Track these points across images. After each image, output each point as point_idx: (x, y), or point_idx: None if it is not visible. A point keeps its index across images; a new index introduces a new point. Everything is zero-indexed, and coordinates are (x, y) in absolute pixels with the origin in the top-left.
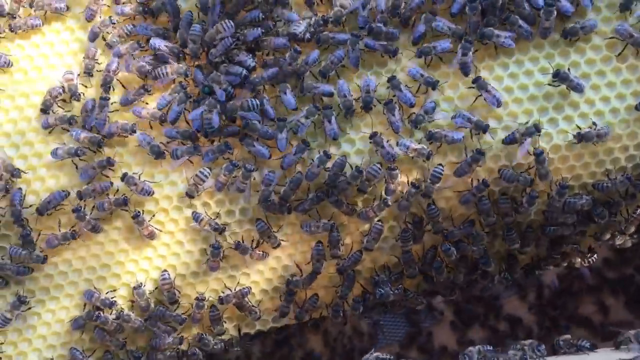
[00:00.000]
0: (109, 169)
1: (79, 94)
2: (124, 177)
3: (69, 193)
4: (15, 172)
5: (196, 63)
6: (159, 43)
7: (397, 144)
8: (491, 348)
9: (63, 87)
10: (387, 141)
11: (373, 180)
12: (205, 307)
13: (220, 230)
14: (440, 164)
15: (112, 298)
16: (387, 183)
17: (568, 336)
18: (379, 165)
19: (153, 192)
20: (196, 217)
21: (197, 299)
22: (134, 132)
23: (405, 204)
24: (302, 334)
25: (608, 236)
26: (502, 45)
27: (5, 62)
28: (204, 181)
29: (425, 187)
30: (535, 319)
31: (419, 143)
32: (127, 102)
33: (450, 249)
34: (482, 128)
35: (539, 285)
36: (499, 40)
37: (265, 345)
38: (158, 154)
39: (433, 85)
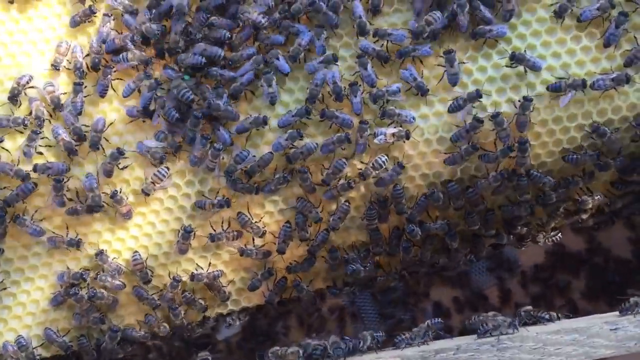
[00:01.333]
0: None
1: (61, 105)
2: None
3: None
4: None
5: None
6: (131, 21)
7: (375, 134)
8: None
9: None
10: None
11: (338, 174)
12: (179, 288)
13: (227, 204)
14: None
15: (81, 270)
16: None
17: (529, 307)
18: (344, 160)
19: None
20: (200, 204)
21: (173, 278)
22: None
23: (387, 181)
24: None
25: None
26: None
27: None
28: (162, 180)
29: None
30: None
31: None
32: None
33: (415, 230)
34: (422, 90)
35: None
36: (491, 34)
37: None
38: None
39: (423, 91)
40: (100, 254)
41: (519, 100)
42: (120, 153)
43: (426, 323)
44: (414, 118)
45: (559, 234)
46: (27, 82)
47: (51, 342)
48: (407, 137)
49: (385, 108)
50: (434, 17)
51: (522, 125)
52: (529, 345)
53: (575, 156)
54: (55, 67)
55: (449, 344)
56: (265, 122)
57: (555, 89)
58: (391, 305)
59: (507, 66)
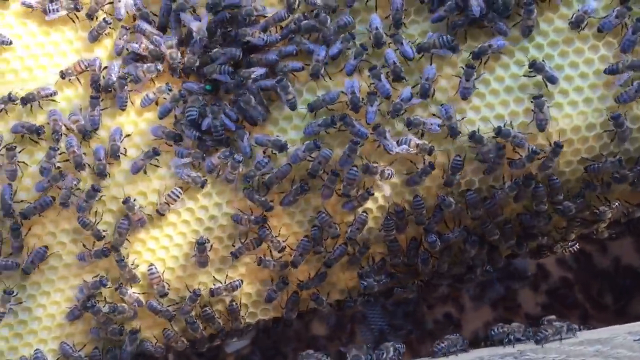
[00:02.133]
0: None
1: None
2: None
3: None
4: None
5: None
6: (145, 26)
7: (398, 142)
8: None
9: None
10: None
11: (353, 184)
12: (198, 301)
13: (264, 221)
14: (458, 155)
15: (100, 277)
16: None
17: (553, 317)
18: (355, 169)
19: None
20: (237, 219)
21: (193, 292)
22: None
23: (416, 180)
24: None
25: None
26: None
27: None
28: (175, 201)
29: (448, 177)
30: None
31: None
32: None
33: (436, 241)
34: (454, 133)
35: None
36: (492, 49)
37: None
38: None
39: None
40: (119, 260)
41: (532, 101)
42: (155, 153)
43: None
44: (439, 126)
45: (576, 245)
46: (48, 95)
47: (67, 357)
48: (430, 152)
49: (411, 117)
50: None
51: (541, 125)
52: (552, 357)
53: (596, 165)
54: (62, 75)
55: (471, 356)
56: (283, 148)
57: (612, 72)
58: (402, 317)
59: (525, 75)
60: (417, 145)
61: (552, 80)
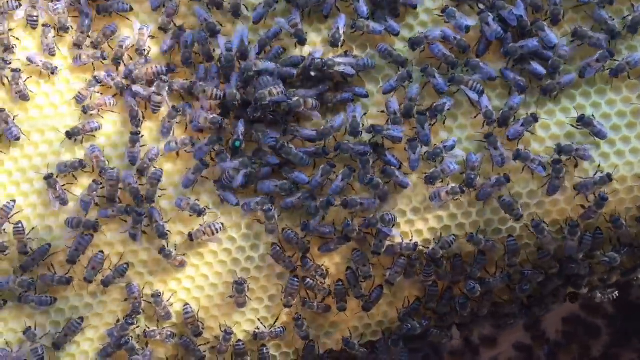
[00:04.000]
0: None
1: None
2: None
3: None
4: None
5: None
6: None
7: (431, 197)
8: None
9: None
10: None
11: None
12: (232, 340)
13: (305, 249)
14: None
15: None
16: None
17: None
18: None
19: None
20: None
21: (225, 332)
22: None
23: (489, 192)
24: None
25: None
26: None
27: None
28: (214, 234)
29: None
30: None
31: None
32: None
33: (475, 287)
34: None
35: None
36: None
37: None
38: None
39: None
40: (156, 296)
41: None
42: (204, 165)
43: None
44: (456, 165)
45: (616, 292)
46: (93, 130)
47: None
48: (462, 191)
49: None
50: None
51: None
52: None
53: None
54: (78, 99)
55: None
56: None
57: None
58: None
59: (571, 125)
60: (447, 193)
61: (600, 135)
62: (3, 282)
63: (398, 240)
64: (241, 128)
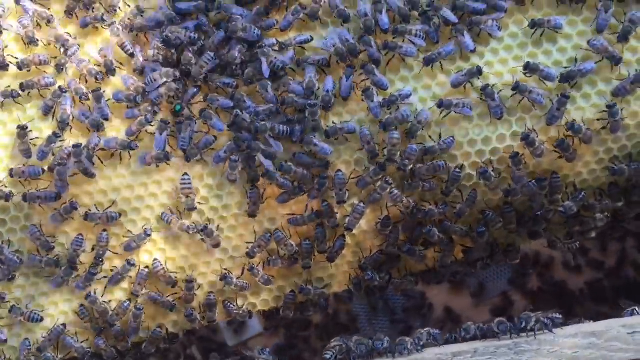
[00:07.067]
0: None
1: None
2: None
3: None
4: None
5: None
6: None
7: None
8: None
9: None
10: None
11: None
12: (195, 289)
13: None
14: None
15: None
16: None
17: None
18: (363, 205)
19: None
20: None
21: (186, 281)
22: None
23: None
24: None
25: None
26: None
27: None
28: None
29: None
30: None
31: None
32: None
33: (432, 230)
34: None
35: None
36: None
37: None
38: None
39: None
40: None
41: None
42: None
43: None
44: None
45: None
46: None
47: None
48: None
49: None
50: None
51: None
52: (547, 349)
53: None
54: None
55: (466, 347)
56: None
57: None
58: (403, 313)
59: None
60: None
61: (549, 78)
62: None
63: None
64: (191, 94)
